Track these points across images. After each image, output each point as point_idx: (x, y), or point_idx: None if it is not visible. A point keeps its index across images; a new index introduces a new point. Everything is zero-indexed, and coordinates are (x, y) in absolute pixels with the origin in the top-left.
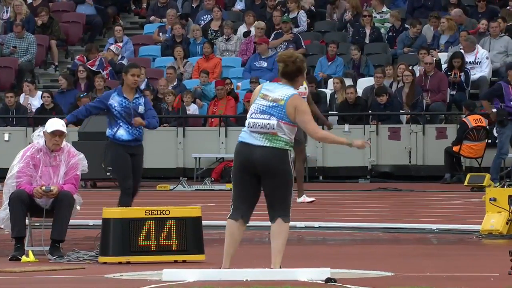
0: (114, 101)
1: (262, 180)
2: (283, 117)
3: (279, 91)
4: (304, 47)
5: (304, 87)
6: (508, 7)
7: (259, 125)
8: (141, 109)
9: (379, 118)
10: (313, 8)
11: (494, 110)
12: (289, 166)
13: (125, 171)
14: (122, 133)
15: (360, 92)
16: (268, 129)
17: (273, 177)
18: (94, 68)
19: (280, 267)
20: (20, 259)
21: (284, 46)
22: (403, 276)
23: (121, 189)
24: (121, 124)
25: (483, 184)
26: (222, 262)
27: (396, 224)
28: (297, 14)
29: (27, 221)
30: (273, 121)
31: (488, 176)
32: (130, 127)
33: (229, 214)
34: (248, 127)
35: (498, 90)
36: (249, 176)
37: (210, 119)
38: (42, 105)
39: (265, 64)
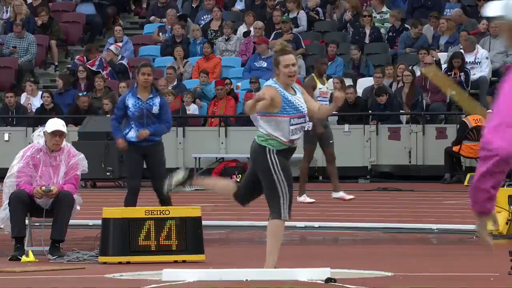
0: (129, 102)
1: None
2: None
3: None
4: (304, 47)
5: (325, 87)
6: None
7: None
8: (155, 109)
9: (379, 118)
10: (318, 9)
11: None
12: (267, 162)
13: (131, 171)
14: (132, 134)
15: (360, 92)
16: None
17: (257, 171)
18: (94, 68)
19: (276, 267)
20: (20, 259)
21: None
22: (403, 276)
23: (127, 188)
24: (132, 125)
25: None
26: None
27: (396, 224)
28: (297, 14)
29: (27, 221)
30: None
31: None
32: (141, 128)
33: None
34: None
35: None
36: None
37: (210, 119)
38: (42, 105)
39: (265, 64)
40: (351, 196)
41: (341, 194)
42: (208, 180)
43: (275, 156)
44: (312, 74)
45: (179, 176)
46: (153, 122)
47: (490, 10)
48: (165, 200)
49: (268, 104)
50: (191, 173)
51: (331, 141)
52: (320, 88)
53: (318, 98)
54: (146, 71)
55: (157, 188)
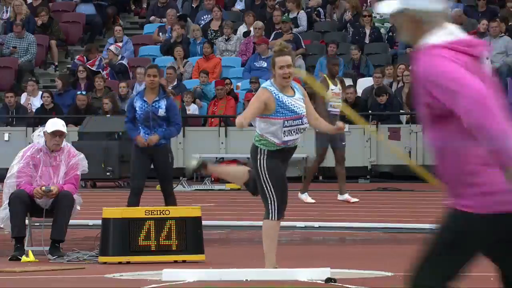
0: (137, 105)
1: None
2: None
3: None
4: (304, 47)
5: (338, 88)
6: (506, 7)
7: None
8: (161, 112)
9: (379, 118)
10: (320, 9)
11: None
12: (256, 163)
13: (135, 171)
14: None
15: (360, 92)
16: None
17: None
18: (94, 68)
19: (276, 267)
20: (20, 259)
21: None
22: (403, 276)
23: (130, 188)
24: (140, 127)
25: None
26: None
27: (396, 224)
28: (297, 14)
29: (27, 221)
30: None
31: None
32: (148, 131)
33: None
34: None
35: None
36: None
37: (210, 119)
38: (42, 105)
39: (264, 64)
40: (355, 199)
41: (346, 196)
42: (222, 168)
43: (265, 158)
44: (324, 75)
45: (193, 163)
46: (159, 124)
47: (386, 6)
48: (170, 201)
49: (262, 109)
50: (205, 162)
51: (343, 143)
52: (332, 89)
53: (331, 100)
54: (151, 72)
55: (164, 188)
